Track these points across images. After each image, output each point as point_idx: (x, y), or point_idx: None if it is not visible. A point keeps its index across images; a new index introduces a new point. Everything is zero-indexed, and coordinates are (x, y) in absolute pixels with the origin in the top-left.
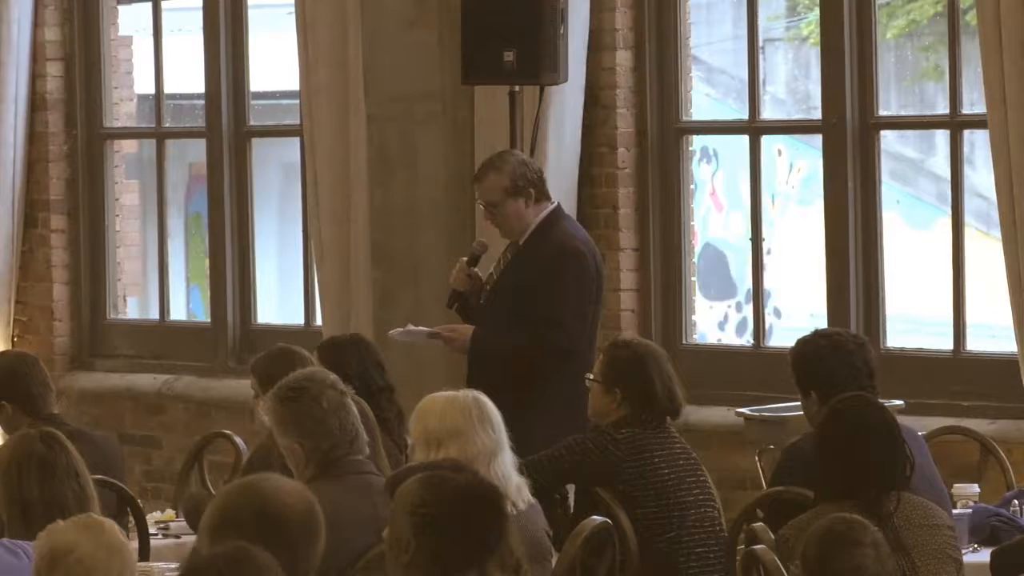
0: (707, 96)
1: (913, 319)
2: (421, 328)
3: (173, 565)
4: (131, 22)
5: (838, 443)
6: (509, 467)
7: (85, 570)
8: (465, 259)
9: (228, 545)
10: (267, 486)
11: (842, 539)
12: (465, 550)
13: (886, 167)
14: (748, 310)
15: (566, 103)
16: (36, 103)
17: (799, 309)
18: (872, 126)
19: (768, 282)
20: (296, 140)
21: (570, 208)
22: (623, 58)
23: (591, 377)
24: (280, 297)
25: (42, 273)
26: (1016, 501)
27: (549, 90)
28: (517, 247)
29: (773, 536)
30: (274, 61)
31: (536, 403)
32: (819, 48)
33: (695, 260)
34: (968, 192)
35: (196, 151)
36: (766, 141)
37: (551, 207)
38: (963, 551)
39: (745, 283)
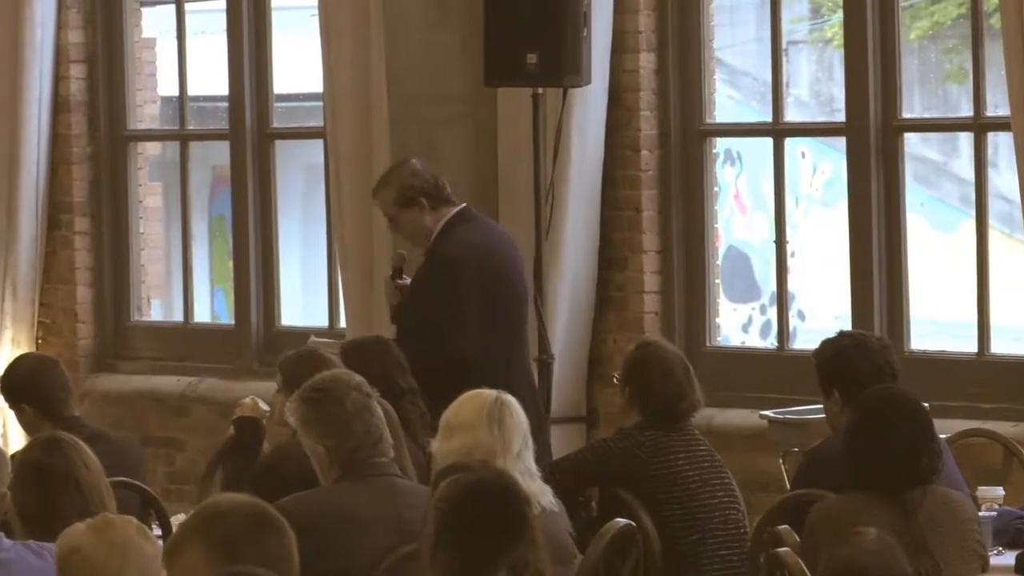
0: (730, 98)
1: (937, 321)
2: (332, 340)
3: None
4: (154, 24)
5: (868, 432)
6: (516, 471)
7: (85, 568)
8: (389, 274)
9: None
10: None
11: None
12: (482, 544)
13: (910, 169)
14: (772, 312)
15: (589, 105)
16: (59, 105)
17: (823, 311)
18: (895, 128)
19: (792, 284)
20: (319, 142)
21: (593, 210)
22: (646, 60)
23: (616, 376)
24: (304, 299)
25: (65, 275)
26: None
27: (572, 92)
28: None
29: (797, 538)
30: (297, 63)
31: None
32: (842, 50)
33: (719, 262)
34: (992, 195)
35: (219, 153)
36: (790, 143)
37: (453, 212)
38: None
39: (769, 285)
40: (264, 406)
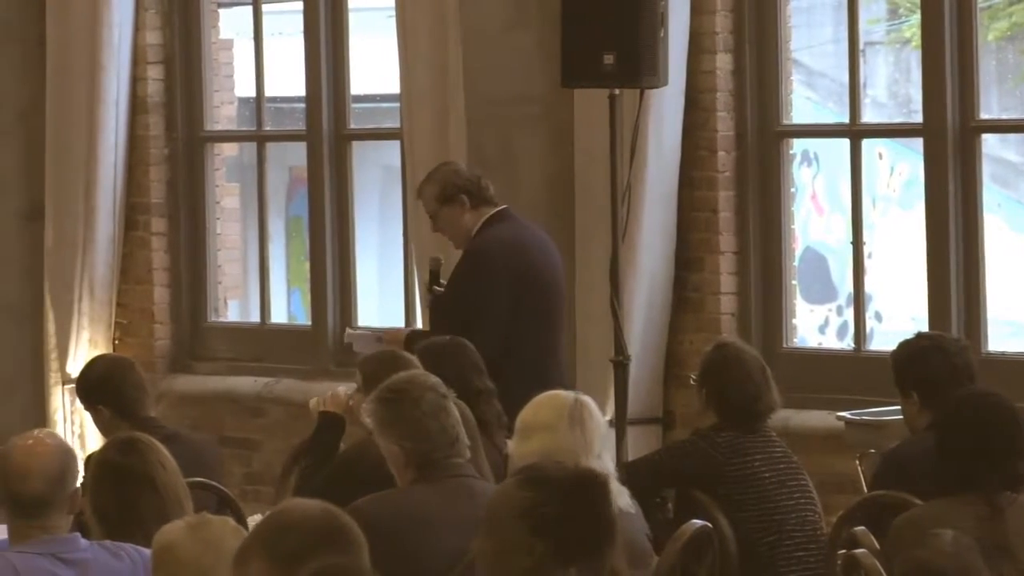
0: (807, 99)
1: (1014, 322)
2: (368, 332)
3: None
4: (231, 25)
5: (962, 432)
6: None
7: (178, 566)
8: (426, 280)
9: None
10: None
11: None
12: (585, 536)
13: (987, 170)
14: (849, 314)
15: (666, 106)
16: (137, 106)
17: (900, 313)
18: (973, 129)
19: (869, 286)
20: (396, 143)
21: (669, 212)
22: (723, 61)
23: (692, 377)
24: (380, 299)
25: (142, 276)
26: None
27: (649, 93)
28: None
29: (874, 540)
30: (374, 64)
31: None
32: (920, 51)
33: (795, 263)
34: None
35: (296, 154)
36: (867, 144)
37: (493, 211)
38: None
39: (846, 287)
40: (344, 391)
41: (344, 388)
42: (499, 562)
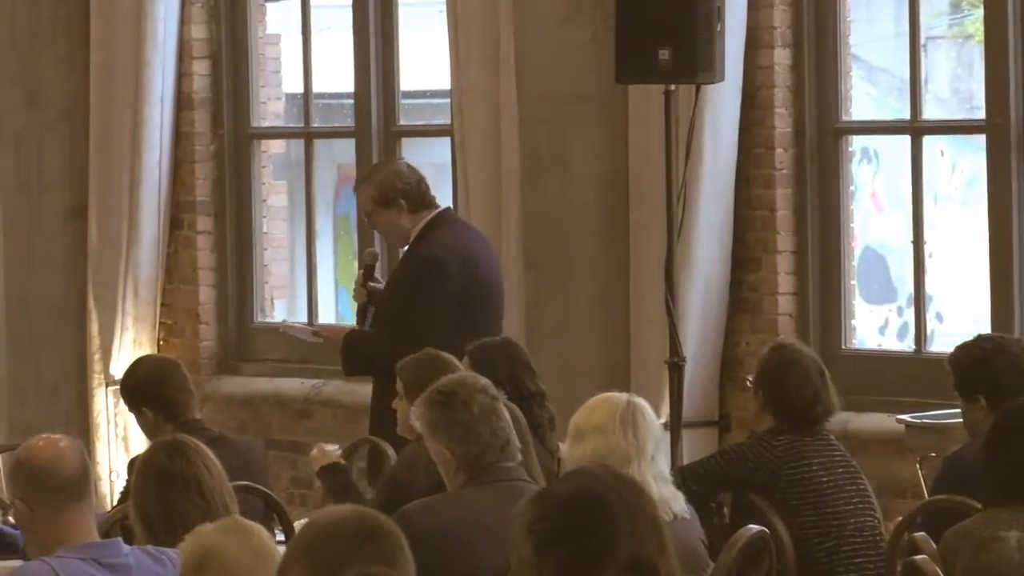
0: (867, 95)
1: None
2: (305, 326)
3: None
4: (279, 19)
5: (1006, 444)
6: (649, 476)
7: (229, 573)
8: (361, 272)
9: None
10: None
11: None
12: (588, 555)
13: None
14: (909, 314)
15: (722, 103)
16: (182, 102)
17: (962, 313)
18: None
19: (930, 286)
20: (447, 140)
21: (725, 210)
22: (781, 56)
23: (749, 380)
24: None
25: (188, 275)
26: None
27: (705, 89)
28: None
29: (935, 546)
30: (424, 59)
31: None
32: (983, 46)
33: (855, 263)
34: None
35: (345, 151)
36: (928, 141)
37: (433, 214)
38: None
39: (906, 287)
40: (331, 446)
41: (324, 446)
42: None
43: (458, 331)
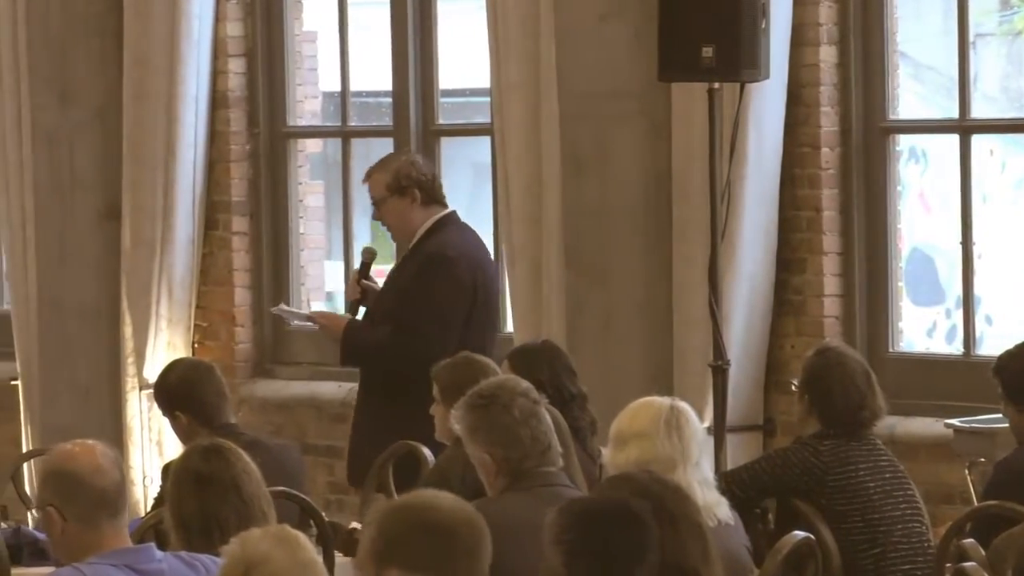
0: (915, 94)
1: None
2: (299, 310)
3: None
4: (316, 17)
5: None
6: (694, 481)
7: None
8: (357, 268)
9: None
10: (422, 502)
11: None
12: (617, 566)
13: None
14: (958, 317)
15: (767, 101)
16: (217, 101)
17: (1011, 316)
18: None
19: (979, 288)
20: (486, 139)
21: (770, 210)
22: (827, 54)
23: (794, 384)
24: None
25: (223, 277)
26: None
27: (749, 87)
28: (407, 250)
29: (983, 553)
30: (464, 57)
31: (397, 402)
32: None
33: (902, 264)
34: None
35: (383, 151)
36: (976, 141)
37: (443, 213)
38: None
39: (954, 289)
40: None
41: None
42: None
43: (464, 335)
